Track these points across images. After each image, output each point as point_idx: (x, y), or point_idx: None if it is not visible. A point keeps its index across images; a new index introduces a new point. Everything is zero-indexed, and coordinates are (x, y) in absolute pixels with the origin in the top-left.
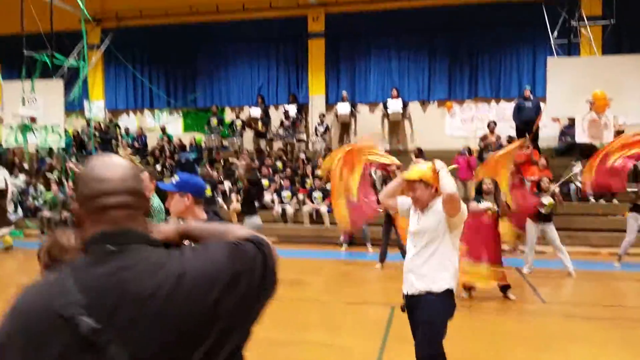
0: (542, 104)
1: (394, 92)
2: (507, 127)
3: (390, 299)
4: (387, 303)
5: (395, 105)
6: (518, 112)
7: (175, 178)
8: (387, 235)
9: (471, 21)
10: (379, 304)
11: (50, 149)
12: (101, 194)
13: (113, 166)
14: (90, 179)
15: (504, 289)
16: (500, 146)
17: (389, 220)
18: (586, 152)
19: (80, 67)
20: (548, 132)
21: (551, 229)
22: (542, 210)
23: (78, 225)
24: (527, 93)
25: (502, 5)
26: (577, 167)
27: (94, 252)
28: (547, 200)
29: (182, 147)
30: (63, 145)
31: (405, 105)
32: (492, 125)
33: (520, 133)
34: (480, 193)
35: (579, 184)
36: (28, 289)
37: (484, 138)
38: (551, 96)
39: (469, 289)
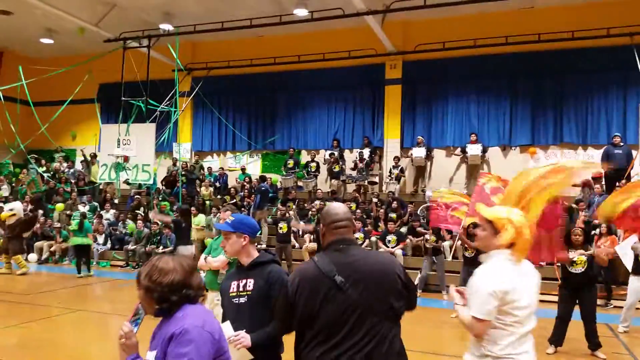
0: (633, 151)
1: (473, 137)
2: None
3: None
4: (460, 355)
5: (474, 149)
6: (607, 159)
7: (230, 218)
8: (465, 282)
9: (556, 66)
10: (455, 355)
11: (139, 186)
12: (337, 219)
13: (340, 206)
14: (330, 212)
15: (594, 346)
16: (591, 190)
17: (469, 268)
18: None
19: (171, 112)
20: None
21: None
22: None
23: (322, 238)
24: (617, 139)
25: (588, 50)
26: None
27: (333, 249)
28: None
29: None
30: (151, 182)
31: (484, 150)
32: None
33: (609, 181)
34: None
35: None
36: (303, 265)
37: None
38: None
39: (554, 344)
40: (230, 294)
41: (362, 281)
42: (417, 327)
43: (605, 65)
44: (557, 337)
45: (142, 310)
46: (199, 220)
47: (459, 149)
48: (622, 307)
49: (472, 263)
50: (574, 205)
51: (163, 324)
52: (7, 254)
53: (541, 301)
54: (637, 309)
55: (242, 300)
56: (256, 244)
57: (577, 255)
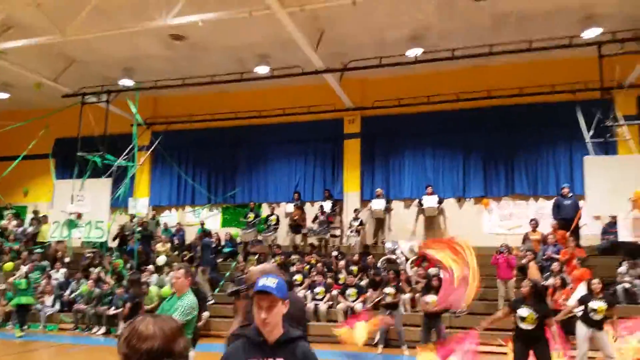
0: (580, 202)
1: (429, 189)
2: (546, 225)
3: None
4: None
5: (430, 201)
6: (557, 210)
7: (272, 280)
8: (427, 336)
9: (506, 121)
10: None
11: (93, 244)
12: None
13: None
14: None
15: None
16: (546, 243)
17: (429, 321)
18: (632, 251)
19: (128, 166)
20: (590, 231)
21: (601, 335)
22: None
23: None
24: (566, 191)
25: (537, 106)
26: (624, 267)
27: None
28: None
29: (219, 241)
30: (104, 240)
31: (440, 202)
32: (534, 223)
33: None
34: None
35: (627, 285)
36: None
37: (526, 237)
38: (590, 194)
39: None
40: None
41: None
42: None
43: (552, 120)
44: None
45: None
46: (152, 294)
47: (416, 201)
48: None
49: (433, 315)
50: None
51: None
52: None
53: (495, 353)
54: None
55: None
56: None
57: (527, 312)
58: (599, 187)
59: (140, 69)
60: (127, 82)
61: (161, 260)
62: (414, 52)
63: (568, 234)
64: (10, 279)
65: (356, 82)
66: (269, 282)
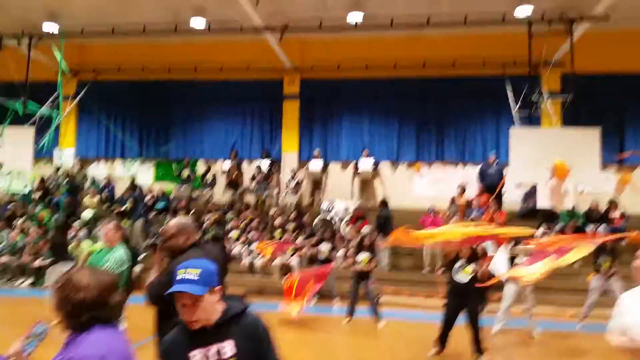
0: (505, 170)
1: (365, 152)
2: (473, 190)
3: (357, 354)
4: (352, 358)
5: (365, 164)
6: (482, 176)
7: (193, 271)
8: (356, 290)
9: (438, 92)
10: None
11: (14, 195)
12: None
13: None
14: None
15: (479, 351)
16: (470, 207)
17: (360, 276)
18: (548, 216)
19: (53, 116)
20: (512, 197)
21: (529, 290)
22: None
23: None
24: (492, 159)
25: (468, 79)
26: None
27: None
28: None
29: (153, 197)
30: (27, 191)
31: (376, 165)
32: (461, 188)
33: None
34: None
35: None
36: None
37: (452, 200)
38: (514, 163)
39: (438, 347)
40: None
41: None
42: (309, 335)
43: (482, 93)
44: (441, 341)
45: (42, 329)
46: (83, 249)
47: (353, 163)
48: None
49: (363, 274)
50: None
51: (70, 340)
52: None
53: (429, 306)
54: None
55: None
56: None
57: (465, 267)
58: (522, 157)
59: (65, 13)
60: (51, 27)
61: (87, 214)
62: (355, 18)
63: (491, 199)
64: None
65: (296, 43)
66: (189, 274)
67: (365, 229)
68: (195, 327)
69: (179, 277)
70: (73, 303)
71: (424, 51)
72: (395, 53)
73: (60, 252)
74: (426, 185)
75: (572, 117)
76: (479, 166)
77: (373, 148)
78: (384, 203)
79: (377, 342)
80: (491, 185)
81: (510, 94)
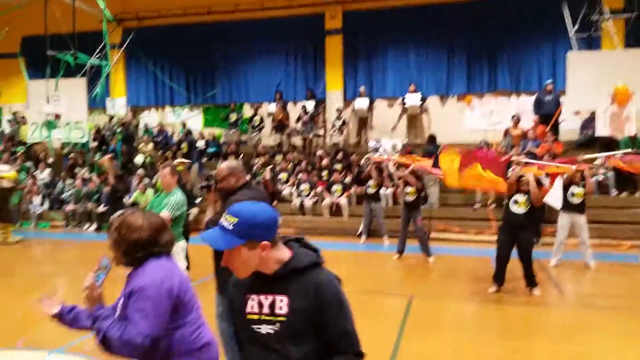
0: (562, 98)
1: (412, 87)
2: (527, 121)
3: (408, 289)
4: (404, 294)
5: (413, 99)
6: (538, 106)
7: (231, 220)
8: (405, 226)
9: (490, 17)
10: (397, 295)
11: (74, 145)
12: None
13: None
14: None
15: (531, 284)
16: (526, 138)
17: (408, 212)
18: (607, 145)
19: (102, 65)
20: (569, 126)
21: (583, 221)
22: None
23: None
24: (549, 87)
25: (521, 0)
26: (598, 161)
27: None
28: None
29: (205, 142)
30: (85, 141)
31: (423, 100)
32: (515, 119)
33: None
34: None
35: (600, 178)
36: (243, 197)
37: (506, 132)
38: (571, 90)
39: (497, 283)
40: (248, 316)
41: None
42: (361, 270)
43: (537, 15)
44: (498, 278)
45: (107, 262)
46: (148, 195)
47: (400, 99)
48: (551, 245)
49: (411, 206)
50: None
51: (132, 274)
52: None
53: (480, 241)
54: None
55: (270, 329)
56: None
57: (522, 198)
58: (580, 83)
59: None
60: None
61: (139, 159)
62: None
63: (547, 129)
64: None
65: None
66: (225, 221)
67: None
68: (241, 277)
69: (220, 221)
70: (129, 242)
71: None
72: None
73: (119, 198)
74: (478, 118)
75: (635, 37)
76: (535, 95)
77: (420, 82)
78: (432, 138)
79: (429, 276)
80: (548, 114)
81: (567, 15)
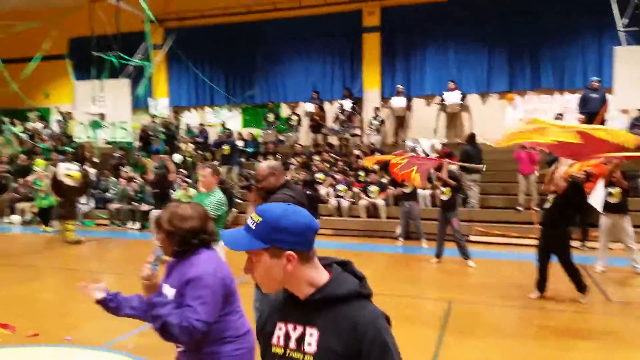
0: (608, 95)
1: (451, 85)
2: (572, 119)
3: (447, 293)
4: (443, 298)
5: (452, 97)
6: (584, 104)
7: (256, 218)
8: (443, 229)
9: (532, 11)
10: (436, 299)
11: (118, 144)
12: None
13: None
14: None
15: (581, 289)
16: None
17: (444, 213)
18: None
19: (145, 66)
20: (616, 125)
21: (623, 224)
22: None
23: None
24: (595, 84)
25: None
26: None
27: (290, 189)
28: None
29: (244, 142)
30: (130, 140)
31: (463, 98)
32: (559, 118)
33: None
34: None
35: None
36: (285, 196)
37: None
38: (619, 87)
39: (539, 289)
40: (273, 349)
41: None
42: (399, 273)
43: (582, 8)
44: (540, 282)
45: (160, 253)
46: (182, 196)
47: (438, 98)
48: (596, 249)
49: (446, 206)
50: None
51: (179, 264)
52: (63, 219)
53: (527, 245)
54: (611, 249)
55: None
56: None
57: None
58: (628, 79)
59: None
60: None
61: (176, 158)
62: None
63: None
64: (29, 177)
65: None
66: (250, 219)
67: (453, 167)
68: (266, 292)
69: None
70: (183, 231)
71: None
72: None
73: (162, 197)
74: (520, 117)
75: None
76: (580, 93)
77: (460, 80)
78: (471, 137)
79: (468, 281)
80: (593, 113)
81: (615, 8)
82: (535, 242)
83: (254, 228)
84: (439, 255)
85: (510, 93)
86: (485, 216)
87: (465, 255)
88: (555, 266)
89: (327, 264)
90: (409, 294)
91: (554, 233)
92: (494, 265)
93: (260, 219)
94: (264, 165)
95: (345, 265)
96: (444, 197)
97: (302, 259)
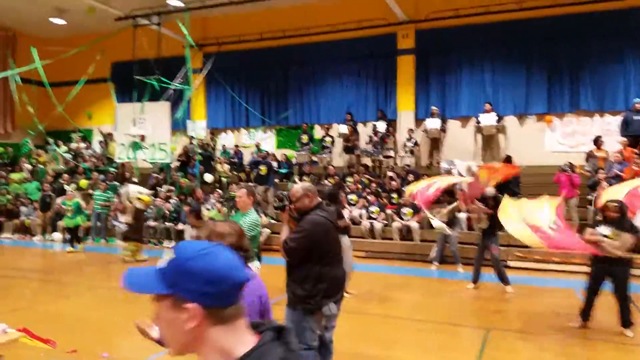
0: None
1: (487, 106)
2: (612, 142)
3: (484, 321)
4: (481, 325)
5: (488, 119)
6: (626, 126)
7: (170, 255)
8: (481, 254)
9: (571, 31)
10: (473, 326)
11: (157, 164)
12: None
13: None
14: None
15: (625, 323)
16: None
17: (483, 238)
18: None
19: (184, 89)
20: None
21: None
22: None
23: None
24: (638, 106)
25: (606, 12)
26: None
27: (322, 210)
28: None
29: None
30: (169, 161)
31: (499, 119)
32: (600, 141)
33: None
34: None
35: None
36: (318, 217)
37: (590, 154)
38: None
39: (582, 318)
40: None
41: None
42: (434, 298)
43: (623, 28)
44: (586, 312)
45: None
46: (217, 215)
47: (474, 119)
48: None
49: (485, 232)
50: (597, 177)
51: None
52: (130, 240)
53: (569, 272)
54: None
55: None
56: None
57: (610, 231)
58: None
59: None
60: (176, 3)
61: (207, 178)
62: None
63: (636, 151)
64: (59, 200)
65: None
66: (167, 255)
67: (490, 189)
68: (169, 353)
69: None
70: None
71: None
72: None
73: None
74: (559, 139)
75: None
76: (621, 115)
77: (497, 101)
78: (507, 160)
79: (506, 308)
80: (636, 135)
81: None
82: (577, 268)
83: (164, 266)
84: (475, 280)
85: (548, 115)
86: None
87: (504, 281)
88: (602, 294)
89: (263, 330)
90: (445, 320)
91: (615, 261)
92: (534, 292)
93: (174, 256)
94: (299, 186)
95: (282, 331)
96: (483, 225)
97: (212, 318)
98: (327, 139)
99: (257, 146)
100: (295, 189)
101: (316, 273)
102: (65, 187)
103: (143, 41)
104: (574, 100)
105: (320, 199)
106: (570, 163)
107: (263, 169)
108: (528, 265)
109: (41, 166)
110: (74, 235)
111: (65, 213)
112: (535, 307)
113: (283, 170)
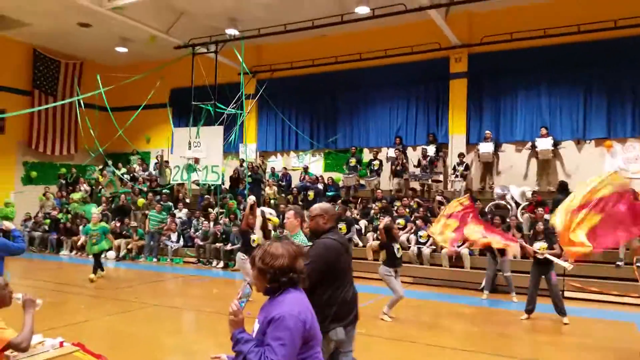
0: None
1: (543, 131)
2: None
3: (539, 355)
4: (535, 358)
5: (544, 144)
6: None
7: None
8: (536, 284)
9: (633, 53)
10: (525, 359)
11: (209, 187)
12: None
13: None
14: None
15: None
16: None
17: (539, 267)
18: None
19: (238, 115)
20: None
21: None
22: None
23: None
24: None
25: None
26: None
27: (335, 233)
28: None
29: (324, 185)
30: (219, 183)
31: (556, 144)
32: None
33: None
34: None
35: None
36: (331, 240)
37: None
38: None
39: None
40: None
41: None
42: (485, 328)
43: None
44: None
45: (249, 290)
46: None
47: (529, 144)
48: None
49: (542, 264)
50: None
51: (269, 302)
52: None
53: (620, 303)
54: None
55: None
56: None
57: None
58: None
59: (244, 18)
60: (232, 32)
61: (250, 199)
62: None
63: None
64: (81, 228)
65: (463, 17)
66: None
67: (548, 216)
68: None
69: None
70: (275, 269)
71: (612, 8)
72: (577, 14)
73: (246, 237)
74: (620, 165)
75: None
76: None
77: (554, 125)
78: (563, 186)
79: (562, 340)
80: None
81: None
82: (637, 300)
83: None
84: (530, 311)
85: (608, 140)
86: (581, 270)
87: (561, 311)
88: None
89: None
90: (498, 352)
91: None
92: (590, 325)
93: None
94: (317, 205)
95: None
96: (540, 256)
97: None
98: (375, 162)
99: (305, 169)
100: (314, 207)
101: (327, 296)
102: (93, 209)
103: (200, 68)
104: (636, 124)
105: (335, 223)
106: (633, 190)
107: (311, 194)
108: (584, 296)
109: (100, 187)
110: (97, 261)
111: (88, 240)
112: (592, 340)
113: (330, 193)
